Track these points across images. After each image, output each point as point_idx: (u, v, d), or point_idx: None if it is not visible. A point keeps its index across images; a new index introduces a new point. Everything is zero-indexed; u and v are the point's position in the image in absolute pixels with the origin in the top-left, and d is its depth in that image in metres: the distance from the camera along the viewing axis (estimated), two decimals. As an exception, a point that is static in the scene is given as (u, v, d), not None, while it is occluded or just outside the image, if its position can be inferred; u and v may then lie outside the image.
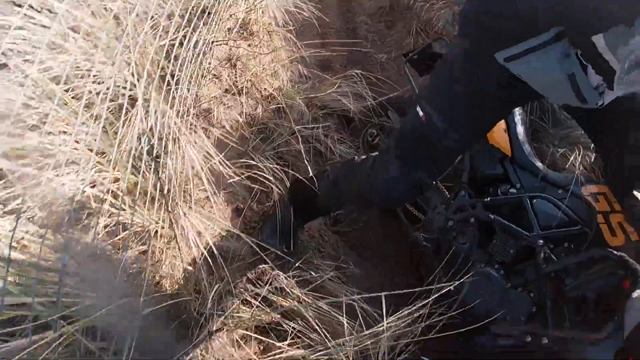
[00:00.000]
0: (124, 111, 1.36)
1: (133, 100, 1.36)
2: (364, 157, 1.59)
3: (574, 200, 1.43)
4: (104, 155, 1.33)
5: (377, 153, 1.54)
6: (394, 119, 2.07)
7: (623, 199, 1.48)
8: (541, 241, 1.39)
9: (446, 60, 1.30)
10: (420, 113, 1.27)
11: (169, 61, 1.50)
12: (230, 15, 2.08)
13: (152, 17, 1.47)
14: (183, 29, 1.55)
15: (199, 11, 1.69)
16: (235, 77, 1.96)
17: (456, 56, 1.26)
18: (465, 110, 1.24)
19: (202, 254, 1.36)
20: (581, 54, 1.09)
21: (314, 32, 2.96)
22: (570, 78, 1.13)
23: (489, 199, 1.50)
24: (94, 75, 1.25)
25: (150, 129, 1.33)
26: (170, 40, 1.54)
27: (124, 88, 1.31)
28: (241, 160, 1.65)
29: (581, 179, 1.47)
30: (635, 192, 1.42)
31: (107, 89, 1.21)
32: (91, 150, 1.19)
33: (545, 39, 1.10)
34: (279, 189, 1.76)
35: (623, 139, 1.40)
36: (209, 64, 1.80)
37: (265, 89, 2.10)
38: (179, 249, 1.35)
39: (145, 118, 1.34)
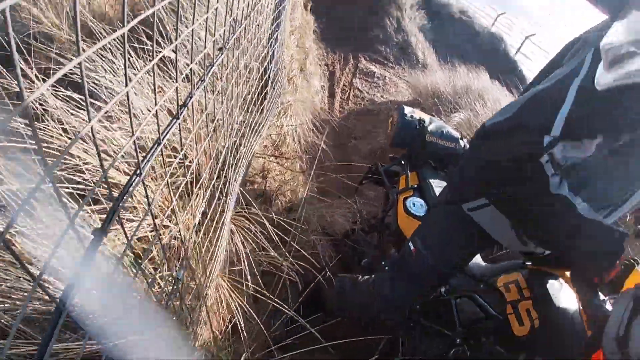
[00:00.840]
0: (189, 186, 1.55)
1: (198, 181, 1.58)
2: (367, 277, 1.86)
3: (491, 295, 1.55)
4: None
5: (375, 275, 1.82)
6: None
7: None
8: (458, 340, 1.55)
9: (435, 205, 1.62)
10: (412, 247, 1.56)
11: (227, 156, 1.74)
12: (268, 135, 2.40)
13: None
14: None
15: (252, 123, 1.99)
16: (265, 187, 2.21)
17: (441, 202, 1.57)
18: (444, 246, 1.52)
19: None
20: None
21: (319, 163, 3.34)
22: (517, 234, 1.38)
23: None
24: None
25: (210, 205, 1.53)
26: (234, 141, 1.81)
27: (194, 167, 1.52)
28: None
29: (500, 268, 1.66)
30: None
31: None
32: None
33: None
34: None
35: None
36: (246, 169, 2.06)
37: (287, 200, 2.36)
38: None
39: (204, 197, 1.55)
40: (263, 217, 1.89)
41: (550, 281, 1.38)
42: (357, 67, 6.19)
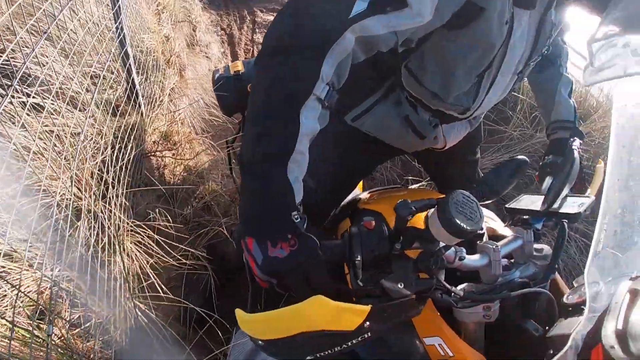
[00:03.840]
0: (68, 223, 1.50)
1: (78, 211, 1.52)
2: None
3: None
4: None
5: None
6: None
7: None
8: None
9: None
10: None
11: (106, 174, 1.68)
12: (154, 129, 2.32)
13: (86, 136, 1.67)
14: (117, 146, 1.76)
15: (129, 129, 1.91)
16: (165, 183, 2.15)
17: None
18: (329, 174, 1.45)
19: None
20: (409, 96, 1.33)
21: (230, 134, 3.26)
22: (405, 119, 1.38)
23: None
24: (43, 191, 1.40)
25: (97, 235, 1.48)
26: (102, 157, 1.73)
27: (68, 199, 1.47)
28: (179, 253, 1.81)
29: None
30: None
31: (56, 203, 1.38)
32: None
33: (380, 94, 1.36)
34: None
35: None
36: (140, 174, 2.00)
37: (192, 190, 2.31)
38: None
39: (90, 227, 1.50)
40: (162, 220, 1.86)
41: None
42: (254, 22, 5.98)
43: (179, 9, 4.01)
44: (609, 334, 0.75)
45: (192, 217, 2.14)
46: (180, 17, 3.86)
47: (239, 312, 0.80)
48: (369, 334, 0.77)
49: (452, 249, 0.90)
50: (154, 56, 2.59)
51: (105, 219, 1.53)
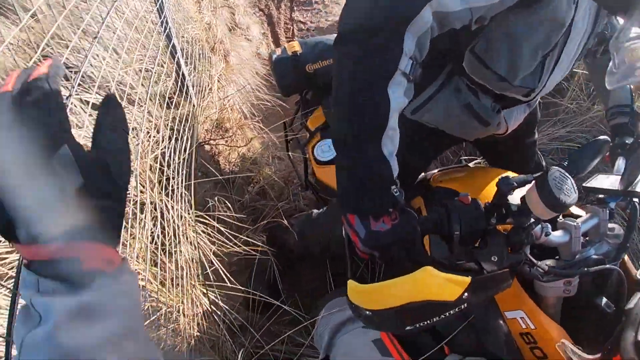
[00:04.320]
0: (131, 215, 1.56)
1: (142, 205, 1.57)
2: (320, 210, 1.84)
3: None
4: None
5: (326, 208, 1.81)
6: None
7: None
8: None
9: None
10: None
11: (166, 166, 1.73)
12: (206, 118, 2.36)
13: (143, 130, 1.72)
14: (174, 137, 1.80)
15: (182, 120, 1.95)
16: (220, 171, 2.20)
17: None
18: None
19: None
20: (470, 82, 1.31)
21: (278, 117, 3.28)
22: (467, 107, 1.36)
23: None
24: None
25: (162, 226, 1.53)
26: (161, 150, 1.78)
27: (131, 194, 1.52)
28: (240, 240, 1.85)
29: None
30: None
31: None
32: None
33: (440, 82, 1.34)
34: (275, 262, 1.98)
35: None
36: (196, 163, 2.05)
37: (248, 176, 2.35)
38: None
39: (153, 220, 1.55)
40: (222, 208, 1.90)
41: None
42: (292, 0, 5.93)
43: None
44: (628, 346, 0.78)
45: (249, 202, 2.19)
46: (219, 3, 3.87)
47: (351, 283, 0.85)
48: (466, 305, 0.81)
49: (540, 225, 0.93)
50: (199, 45, 2.61)
51: (168, 210, 1.57)
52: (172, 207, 1.56)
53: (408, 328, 0.83)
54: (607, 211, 1.06)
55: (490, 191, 1.13)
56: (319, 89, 2.17)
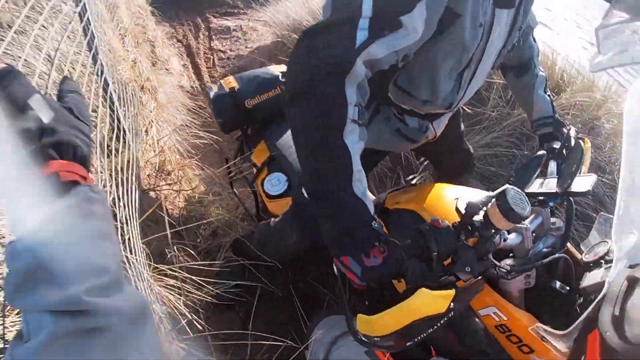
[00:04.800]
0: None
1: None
2: (274, 220, 1.87)
3: None
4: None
5: (279, 218, 1.84)
6: None
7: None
8: None
9: None
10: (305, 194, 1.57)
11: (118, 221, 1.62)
12: (147, 162, 2.25)
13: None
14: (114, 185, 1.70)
15: (125, 167, 1.85)
16: (169, 216, 2.10)
17: None
18: None
19: None
20: (396, 111, 1.48)
21: (215, 153, 3.22)
22: (397, 132, 1.54)
23: None
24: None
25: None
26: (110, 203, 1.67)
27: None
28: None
29: None
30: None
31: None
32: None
33: (369, 114, 1.50)
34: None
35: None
36: (142, 212, 1.94)
37: (197, 218, 2.27)
38: None
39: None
40: (181, 256, 1.82)
41: None
42: (210, 29, 5.86)
43: (136, 29, 3.90)
44: (605, 320, 0.83)
45: (204, 245, 2.11)
46: (140, 38, 3.74)
47: (360, 317, 0.94)
48: (452, 313, 0.92)
49: (498, 234, 1.08)
50: (131, 86, 2.50)
51: (126, 266, 1.48)
52: (130, 262, 1.46)
53: (409, 344, 0.93)
54: (548, 210, 1.25)
55: (444, 207, 1.36)
56: (259, 124, 2.17)
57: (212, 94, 2.11)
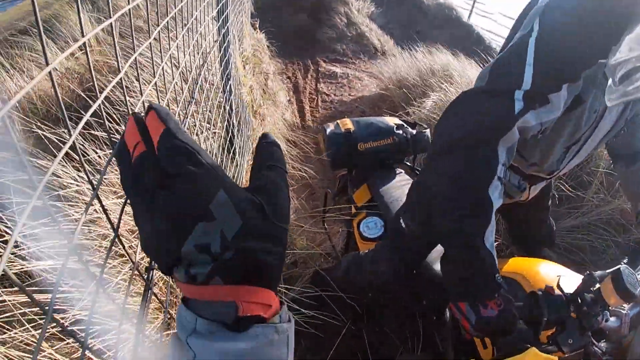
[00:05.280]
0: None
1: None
2: (366, 251, 1.85)
3: None
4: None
5: (373, 248, 1.84)
6: None
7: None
8: None
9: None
10: (403, 224, 1.58)
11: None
12: (247, 181, 2.34)
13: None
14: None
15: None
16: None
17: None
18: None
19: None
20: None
21: (307, 187, 3.29)
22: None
23: None
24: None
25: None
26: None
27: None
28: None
29: None
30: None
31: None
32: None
33: None
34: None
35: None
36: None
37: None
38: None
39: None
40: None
41: None
42: (318, 72, 6.14)
43: (253, 59, 4.15)
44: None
45: (284, 272, 2.13)
46: (257, 69, 3.98)
47: None
48: None
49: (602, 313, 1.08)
50: (248, 109, 2.65)
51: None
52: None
53: None
54: None
55: (546, 282, 1.32)
56: (365, 167, 2.22)
57: (328, 131, 2.21)
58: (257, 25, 5.75)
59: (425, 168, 1.35)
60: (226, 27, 2.09)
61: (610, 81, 1.10)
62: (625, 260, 1.32)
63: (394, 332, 1.92)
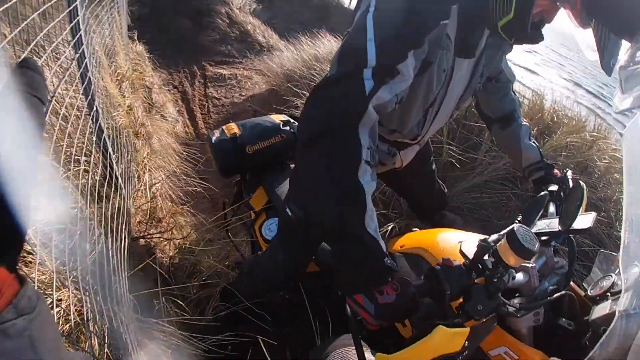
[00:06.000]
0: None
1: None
2: (262, 251, 1.89)
3: None
4: None
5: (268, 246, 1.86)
6: None
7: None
8: None
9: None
10: (290, 213, 1.59)
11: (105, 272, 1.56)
12: (137, 209, 2.20)
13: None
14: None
15: (115, 214, 1.81)
16: (159, 267, 2.03)
17: None
18: None
19: None
20: None
21: (207, 200, 3.18)
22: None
23: None
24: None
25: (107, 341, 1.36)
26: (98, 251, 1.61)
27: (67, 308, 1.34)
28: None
29: None
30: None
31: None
32: None
33: None
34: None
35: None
36: (133, 260, 1.88)
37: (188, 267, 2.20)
38: None
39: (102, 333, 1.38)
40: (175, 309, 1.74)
41: None
42: (205, 77, 5.97)
43: (134, 74, 3.93)
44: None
45: (194, 296, 2.04)
46: (137, 84, 3.77)
47: (380, 356, 0.92)
48: (467, 351, 0.92)
49: (507, 273, 1.10)
50: (125, 131, 2.49)
51: (113, 320, 1.40)
52: (117, 316, 1.39)
53: None
54: (552, 249, 1.30)
55: (449, 250, 1.38)
56: (258, 170, 2.18)
57: (213, 139, 2.14)
58: (136, 37, 5.45)
59: (296, 164, 1.31)
60: (81, 49, 1.92)
61: (618, 88, 1.11)
62: (519, 218, 1.36)
63: (305, 329, 1.89)
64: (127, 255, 1.74)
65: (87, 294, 1.41)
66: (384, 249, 1.05)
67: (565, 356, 1.09)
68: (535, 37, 1.25)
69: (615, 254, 1.33)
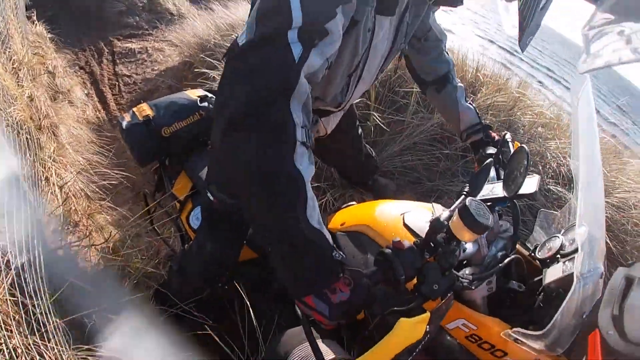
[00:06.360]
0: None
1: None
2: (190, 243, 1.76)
3: None
4: None
5: (195, 237, 1.74)
6: None
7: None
8: None
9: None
10: (212, 197, 1.50)
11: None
12: (49, 216, 2.01)
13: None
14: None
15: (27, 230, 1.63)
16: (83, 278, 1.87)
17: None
18: None
19: None
20: None
21: (128, 191, 2.99)
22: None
23: None
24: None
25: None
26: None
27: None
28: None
29: None
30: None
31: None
32: None
33: None
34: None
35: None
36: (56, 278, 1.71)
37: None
38: None
39: None
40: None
41: None
42: (114, 53, 5.53)
43: (33, 59, 3.55)
44: (605, 320, 0.85)
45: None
46: (37, 70, 3.41)
47: None
48: (428, 335, 0.89)
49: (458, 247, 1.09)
50: (25, 127, 2.23)
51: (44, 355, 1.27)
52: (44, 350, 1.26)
53: None
54: (496, 214, 1.29)
55: (392, 224, 1.36)
56: (178, 153, 2.02)
57: (124, 124, 1.93)
58: (35, 17, 4.92)
59: (215, 147, 1.06)
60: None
61: (583, 48, 1.07)
62: (466, 189, 1.32)
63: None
64: (46, 276, 1.57)
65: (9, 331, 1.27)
66: (331, 242, 0.95)
67: (519, 318, 1.12)
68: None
69: (556, 212, 1.38)
